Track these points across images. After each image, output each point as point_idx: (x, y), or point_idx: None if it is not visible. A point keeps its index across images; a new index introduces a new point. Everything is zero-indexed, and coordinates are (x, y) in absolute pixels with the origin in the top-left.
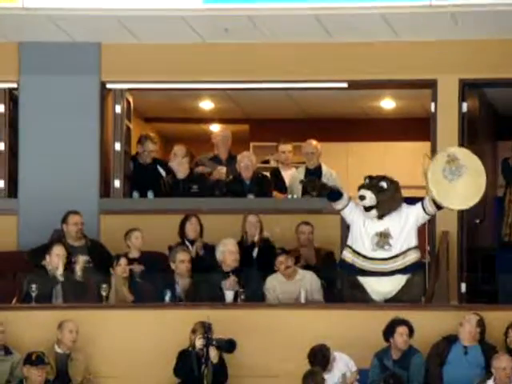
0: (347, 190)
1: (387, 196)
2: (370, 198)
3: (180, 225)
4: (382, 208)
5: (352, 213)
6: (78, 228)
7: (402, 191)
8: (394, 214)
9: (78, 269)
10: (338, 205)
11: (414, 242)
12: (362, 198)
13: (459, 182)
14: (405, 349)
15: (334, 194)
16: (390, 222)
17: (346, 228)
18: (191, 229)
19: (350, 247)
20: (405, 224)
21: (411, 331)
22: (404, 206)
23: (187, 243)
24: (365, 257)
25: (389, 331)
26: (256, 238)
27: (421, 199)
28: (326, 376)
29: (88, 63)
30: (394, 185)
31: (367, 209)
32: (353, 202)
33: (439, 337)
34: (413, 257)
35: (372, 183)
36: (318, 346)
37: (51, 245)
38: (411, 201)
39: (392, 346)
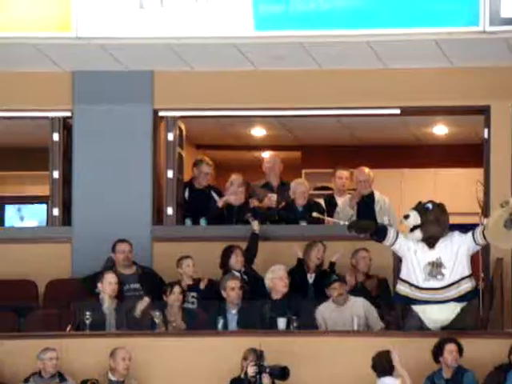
0: (401, 215)
1: (432, 216)
2: (415, 217)
3: (222, 255)
4: (426, 229)
5: (402, 246)
6: (125, 256)
7: (449, 215)
8: (444, 243)
9: (139, 309)
10: (386, 242)
11: (467, 270)
12: (407, 217)
13: None
14: (455, 366)
15: (380, 232)
16: (442, 251)
17: (398, 256)
18: (236, 260)
19: (403, 280)
20: (457, 253)
21: (460, 349)
22: (456, 234)
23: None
24: (417, 287)
25: (438, 350)
26: (314, 264)
27: (473, 226)
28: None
29: (141, 91)
30: (439, 207)
31: (412, 229)
32: (401, 235)
33: (494, 364)
34: (467, 285)
35: (418, 205)
36: (383, 351)
37: (103, 273)
38: (463, 227)
39: (443, 366)
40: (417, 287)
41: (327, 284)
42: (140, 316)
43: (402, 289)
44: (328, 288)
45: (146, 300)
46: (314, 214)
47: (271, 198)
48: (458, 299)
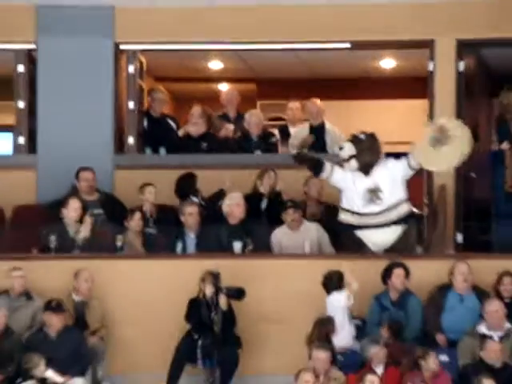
0: None
1: (365, 146)
2: (349, 147)
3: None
4: (361, 158)
5: (339, 178)
6: (88, 184)
7: (382, 143)
8: (380, 169)
9: (84, 229)
10: (323, 175)
11: (403, 194)
12: (341, 148)
13: (444, 148)
14: (402, 289)
15: (317, 167)
16: (378, 178)
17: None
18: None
19: (345, 209)
20: (393, 178)
21: (407, 273)
22: (390, 160)
23: (192, 197)
24: (358, 213)
25: (386, 274)
26: (266, 191)
27: None
28: (338, 295)
29: (103, 25)
30: (372, 136)
31: (347, 160)
32: (337, 167)
33: (436, 284)
34: (404, 209)
35: (352, 136)
36: (333, 270)
37: (67, 199)
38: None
39: (390, 288)
40: (358, 214)
41: (282, 210)
42: (90, 236)
43: (344, 217)
44: (283, 214)
45: (88, 220)
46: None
47: (229, 129)
48: (397, 222)
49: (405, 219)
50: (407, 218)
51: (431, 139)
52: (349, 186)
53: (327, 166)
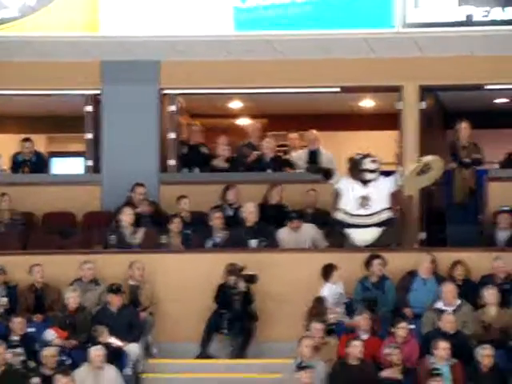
0: (338, 166)
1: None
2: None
3: (223, 191)
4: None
5: (343, 185)
6: (141, 196)
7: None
8: (373, 182)
9: (138, 236)
10: (333, 180)
11: (387, 204)
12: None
13: (424, 177)
14: (380, 274)
15: (330, 174)
16: (370, 189)
17: (336, 195)
18: (232, 194)
19: (341, 209)
20: (380, 191)
21: (384, 262)
22: (381, 177)
23: (225, 205)
24: (350, 214)
25: (368, 262)
26: (275, 201)
27: (391, 172)
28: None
29: (151, 76)
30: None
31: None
32: (343, 177)
33: (405, 271)
34: (387, 215)
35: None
36: (329, 263)
37: (123, 207)
38: (385, 173)
39: (371, 274)
40: (350, 214)
41: (288, 219)
42: (141, 241)
43: (339, 215)
44: (288, 222)
45: (141, 230)
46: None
47: (255, 155)
48: (378, 225)
49: (385, 223)
50: (386, 222)
51: (417, 171)
52: (348, 191)
53: (337, 173)
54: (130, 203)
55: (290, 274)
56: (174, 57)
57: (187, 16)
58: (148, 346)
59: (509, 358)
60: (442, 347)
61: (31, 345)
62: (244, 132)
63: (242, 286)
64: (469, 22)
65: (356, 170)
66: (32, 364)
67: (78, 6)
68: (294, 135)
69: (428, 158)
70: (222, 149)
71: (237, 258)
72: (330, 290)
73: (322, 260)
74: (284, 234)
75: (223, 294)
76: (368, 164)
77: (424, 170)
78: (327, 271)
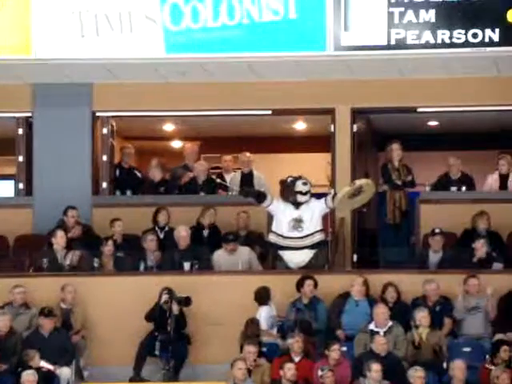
0: (271, 188)
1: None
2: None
3: (153, 214)
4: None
5: (275, 207)
6: (73, 219)
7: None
8: (305, 205)
9: (72, 259)
10: (265, 204)
11: (319, 226)
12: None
13: (355, 199)
14: (311, 296)
15: (262, 196)
16: (302, 212)
17: (270, 216)
18: (162, 216)
19: (274, 232)
20: (313, 213)
21: (316, 284)
22: (312, 199)
23: (157, 228)
24: (283, 236)
25: (299, 284)
26: (207, 224)
27: (323, 194)
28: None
29: (83, 98)
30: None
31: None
32: (275, 199)
33: (338, 293)
34: (319, 237)
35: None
36: (262, 286)
37: (55, 231)
38: (316, 195)
39: (302, 295)
40: (282, 236)
41: (225, 241)
42: (76, 263)
43: (272, 238)
44: (224, 244)
45: (77, 253)
46: (218, 181)
47: (189, 176)
48: (311, 247)
49: (317, 245)
50: (319, 244)
51: (349, 194)
52: (280, 213)
53: (269, 196)
54: (62, 226)
55: (224, 296)
56: (107, 79)
57: (119, 39)
58: (80, 370)
59: (440, 380)
60: (374, 369)
61: None
62: (178, 154)
63: (175, 308)
64: (401, 45)
65: (288, 192)
66: None
67: (9, 28)
68: (227, 157)
69: (361, 182)
70: (153, 171)
71: (170, 281)
72: (266, 313)
73: (256, 282)
74: (220, 256)
75: (159, 316)
76: (300, 186)
77: (356, 193)
78: (262, 295)
